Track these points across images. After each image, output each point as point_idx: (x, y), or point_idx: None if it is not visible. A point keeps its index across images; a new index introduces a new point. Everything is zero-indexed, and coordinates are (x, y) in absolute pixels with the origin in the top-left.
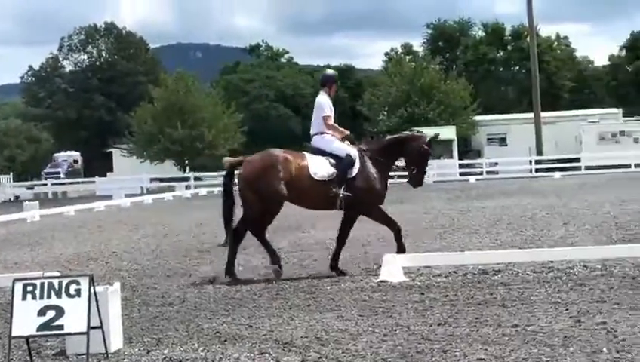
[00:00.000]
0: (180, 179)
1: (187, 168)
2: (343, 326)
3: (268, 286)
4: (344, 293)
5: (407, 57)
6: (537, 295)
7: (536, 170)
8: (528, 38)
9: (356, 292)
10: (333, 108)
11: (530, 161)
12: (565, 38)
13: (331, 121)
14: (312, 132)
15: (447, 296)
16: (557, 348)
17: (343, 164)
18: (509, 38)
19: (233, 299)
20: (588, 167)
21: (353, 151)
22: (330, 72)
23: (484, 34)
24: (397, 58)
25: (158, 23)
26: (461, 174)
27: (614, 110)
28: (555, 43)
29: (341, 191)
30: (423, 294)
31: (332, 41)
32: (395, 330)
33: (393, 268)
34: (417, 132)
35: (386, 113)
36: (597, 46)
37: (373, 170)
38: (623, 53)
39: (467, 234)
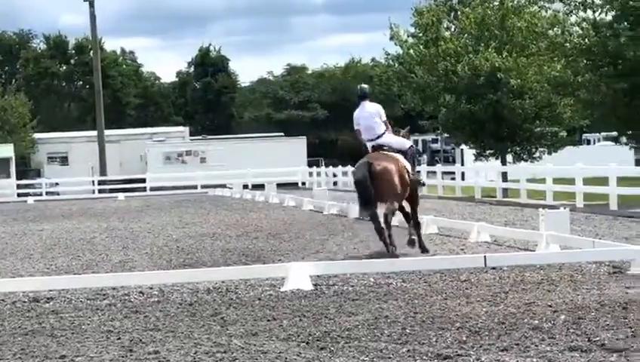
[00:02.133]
0: None
1: None
2: None
3: None
4: None
5: None
6: (90, 323)
7: (100, 191)
8: (92, 52)
9: None
10: None
11: (93, 182)
12: (131, 52)
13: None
14: (375, 133)
15: None
16: None
17: (411, 154)
18: (73, 51)
19: None
20: (153, 188)
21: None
22: (367, 85)
23: (46, 46)
24: None
25: None
26: (19, 195)
27: (181, 128)
28: (121, 57)
29: (421, 179)
30: None
31: None
32: None
33: None
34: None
35: None
36: (165, 61)
37: None
38: (192, 69)
39: (20, 259)
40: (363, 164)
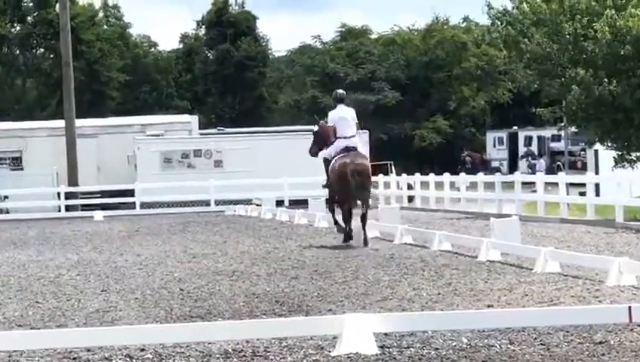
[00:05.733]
0: None
1: None
2: None
3: None
4: None
5: None
6: None
7: (68, 208)
8: (59, 6)
9: None
10: None
11: (59, 194)
12: (116, 7)
13: None
14: (350, 133)
15: None
16: None
17: None
18: (30, 5)
19: None
20: (146, 204)
21: None
22: (343, 91)
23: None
24: None
25: None
26: None
27: (187, 118)
28: (101, 14)
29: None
30: None
31: None
32: None
33: None
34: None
35: None
36: (165, 21)
37: None
38: (202, 32)
39: None
40: (351, 159)
